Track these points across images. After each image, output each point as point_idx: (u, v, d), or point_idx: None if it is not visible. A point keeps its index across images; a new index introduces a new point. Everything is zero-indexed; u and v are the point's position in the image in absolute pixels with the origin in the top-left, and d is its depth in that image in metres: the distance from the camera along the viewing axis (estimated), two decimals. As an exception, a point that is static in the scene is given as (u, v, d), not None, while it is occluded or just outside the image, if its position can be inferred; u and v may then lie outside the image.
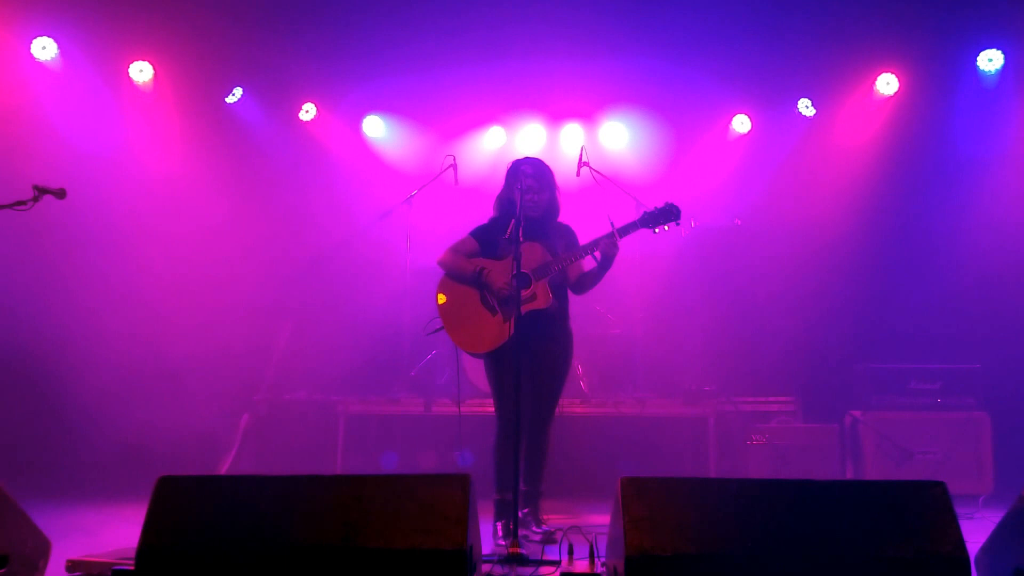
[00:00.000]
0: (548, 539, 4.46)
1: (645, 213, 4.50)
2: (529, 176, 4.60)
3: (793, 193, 7.32)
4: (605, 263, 4.51)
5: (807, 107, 7.34)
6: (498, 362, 4.58)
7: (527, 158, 4.77)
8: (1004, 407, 6.14)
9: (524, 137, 7.62)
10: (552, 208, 4.70)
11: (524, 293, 4.43)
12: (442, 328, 4.66)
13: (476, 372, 5.58)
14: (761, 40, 6.94)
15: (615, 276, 6.68)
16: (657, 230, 4.49)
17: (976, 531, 3.61)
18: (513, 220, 4.29)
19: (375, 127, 7.79)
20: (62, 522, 4.69)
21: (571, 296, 4.80)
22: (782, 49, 7.01)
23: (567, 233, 4.75)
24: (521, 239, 4.24)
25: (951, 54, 7.02)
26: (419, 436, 6.54)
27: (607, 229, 4.44)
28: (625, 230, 4.47)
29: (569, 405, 6.19)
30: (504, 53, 7.09)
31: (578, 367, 6.63)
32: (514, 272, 4.25)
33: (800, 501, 3.11)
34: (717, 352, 6.87)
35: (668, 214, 4.47)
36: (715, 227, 7.19)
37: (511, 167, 4.73)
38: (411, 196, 6.67)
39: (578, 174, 5.89)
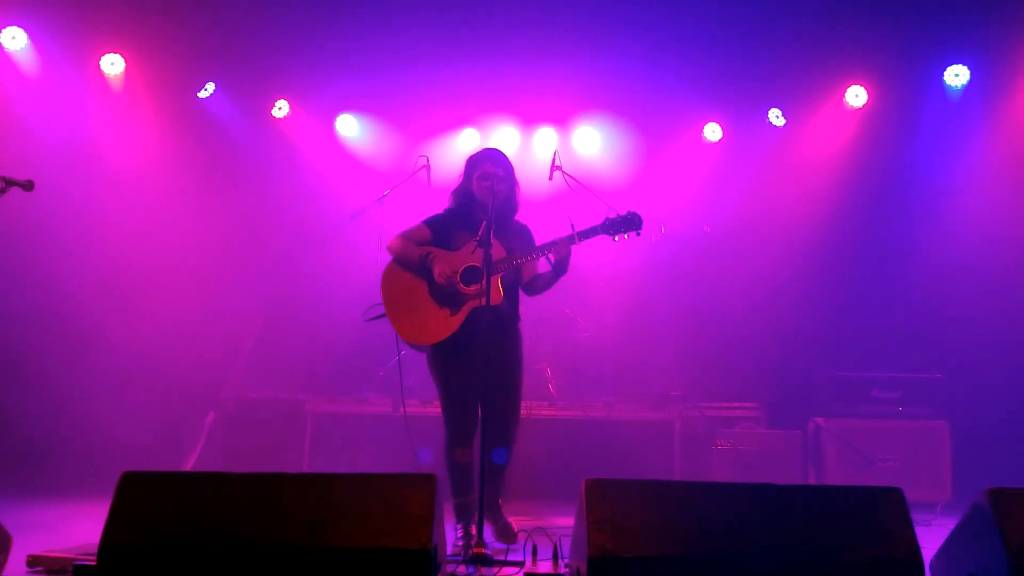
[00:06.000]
0: (506, 532, 4.40)
1: (607, 219, 4.40)
2: (492, 162, 4.54)
3: (762, 202, 7.41)
4: (559, 267, 4.38)
5: (777, 117, 7.43)
6: (442, 356, 4.45)
7: (489, 148, 4.72)
8: (963, 416, 6.24)
9: (497, 140, 7.64)
10: (511, 203, 4.59)
11: (475, 288, 4.32)
12: (383, 316, 4.50)
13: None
14: (733, 50, 7.02)
15: (585, 280, 6.79)
16: (617, 238, 4.40)
17: (934, 537, 3.67)
18: (484, 223, 4.20)
19: (348, 126, 7.77)
20: (23, 517, 4.64)
21: (534, 300, 4.77)
22: (753, 59, 7.09)
23: (524, 232, 4.65)
24: (490, 240, 4.15)
25: (919, 68, 7.14)
26: (387, 436, 6.53)
27: (569, 231, 4.35)
28: (585, 234, 4.37)
29: (537, 408, 6.22)
30: (479, 55, 7.11)
31: (547, 370, 6.66)
32: (482, 278, 4.15)
33: (760, 505, 3.17)
34: (684, 357, 6.93)
35: (629, 223, 4.38)
36: (685, 234, 7.26)
37: (469, 159, 4.66)
38: (383, 196, 6.66)
39: (550, 178, 5.91)
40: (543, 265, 4.57)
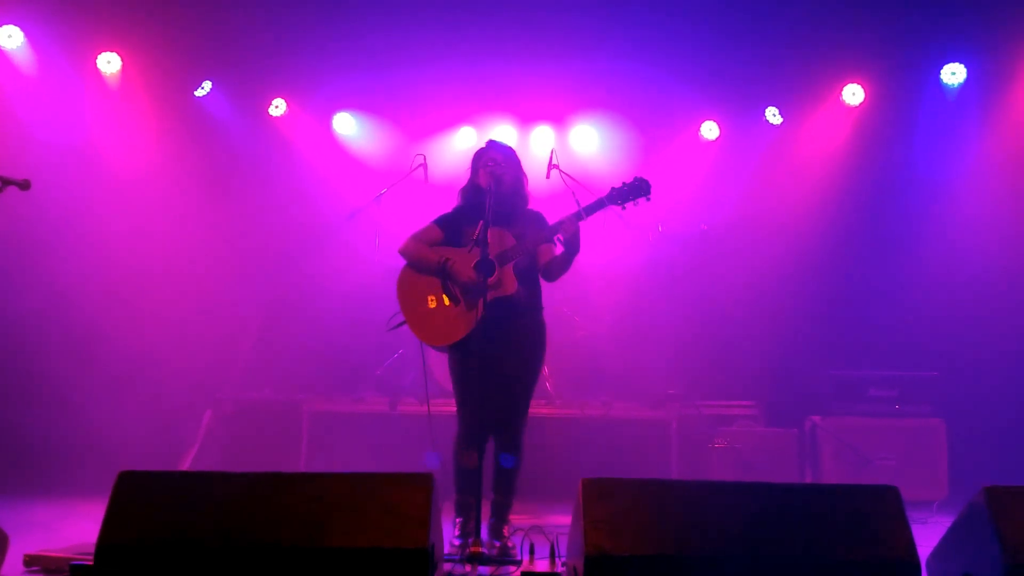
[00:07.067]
0: (504, 553, 4.25)
1: (612, 189, 4.33)
2: (495, 150, 4.53)
3: (759, 200, 7.41)
4: (570, 246, 4.29)
5: (774, 115, 7.43)
6: (462, 355, 4.38)
7: (492, 140, 4.70)
8: (959, 415, 6.26)
9: (495, 138, 7.62)
10: (519, 192, 4.54)
11: (489, 280, 4.22)
12: (404, 323, 4.45)
13: (442, 372, 5.55)
14: (730, 48, 7.02)
15: (583, 279, 6.78)
16: (626, 206, 4.32)
17: (930, 536, 3.68)
18: (481, 222, 4.14)
19: (345, 124, 7.76)
20: (19, 516, 4.64)
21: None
22: (750, 57, 7.09)
23: (537, 219, 4.55)
24: (487, 235, 4.11)
25: (916, 67, 7.14)
26: (384, 435, 6.53)
27: (575, 208, 4.28)
28: (591, 208, 4.28)
29: (535, 406, 6.17)
30: (476, 53, 7.10)
31: (544, 368, 6.66)
32: (495, 270, 4.16)
33: (757, 504, 3.17)
34: (682, 356, 6.93)
35: (637, 189, 4.30)
36: (682, 232, 7.25)
37: (475, 154, 4.63)
38: (381, 194, 6.65)
39: (548, 176, 5.91)
40: (559, 249, 4.46)
